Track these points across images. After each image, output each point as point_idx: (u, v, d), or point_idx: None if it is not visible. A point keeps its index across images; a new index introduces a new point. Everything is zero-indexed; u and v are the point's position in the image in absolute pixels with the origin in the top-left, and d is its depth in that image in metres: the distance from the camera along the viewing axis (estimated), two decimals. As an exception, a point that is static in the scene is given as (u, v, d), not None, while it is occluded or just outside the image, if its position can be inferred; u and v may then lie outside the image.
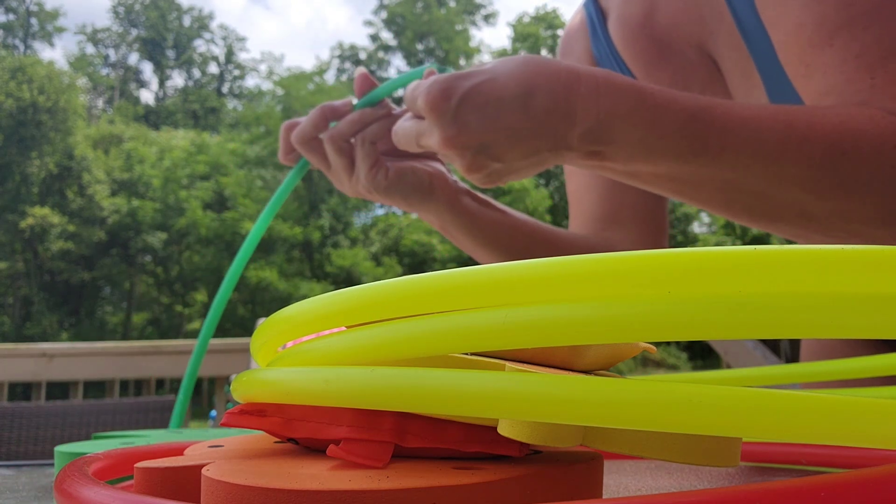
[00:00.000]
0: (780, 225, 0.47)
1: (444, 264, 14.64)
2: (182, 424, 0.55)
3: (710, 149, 0.43)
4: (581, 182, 0.78)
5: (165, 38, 23.99)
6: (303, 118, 0.60)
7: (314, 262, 17.15)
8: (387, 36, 22.70)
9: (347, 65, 22.73)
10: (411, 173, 0.60)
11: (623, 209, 0.75)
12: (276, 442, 0.27)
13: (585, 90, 0.44)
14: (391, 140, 0.60)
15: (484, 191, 0.70)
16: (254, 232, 0.58)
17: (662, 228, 0.77)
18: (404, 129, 0.50)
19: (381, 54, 22.72)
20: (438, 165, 0.63)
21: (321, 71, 21.29)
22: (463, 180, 0.64)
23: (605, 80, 0.44)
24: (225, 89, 24.85)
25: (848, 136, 0.42)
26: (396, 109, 0.59)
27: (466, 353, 0.22)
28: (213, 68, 25.07)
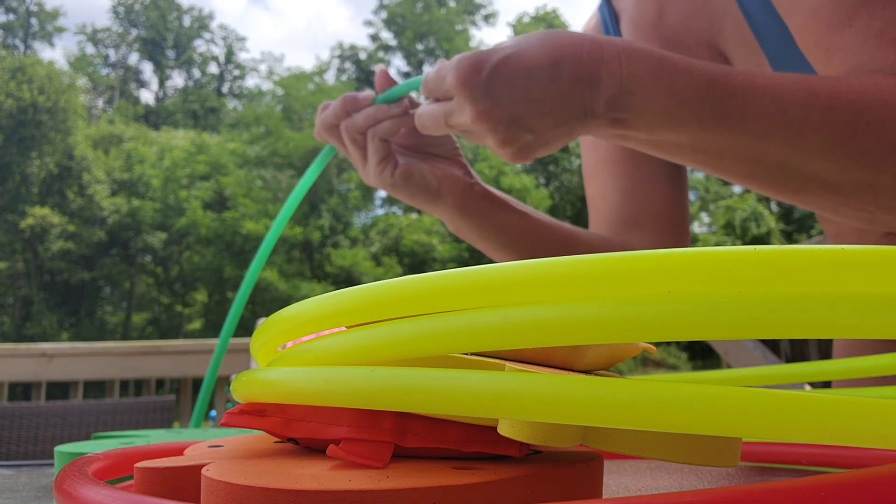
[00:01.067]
0: (806, 197, 0.47)
1: (444, 264, 14.64)
2: (201, 423, 0.56)
3: (731, 116, 0.43)
4: (601, 185, 0.78)
5: (165, 38, 23.99)
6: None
7: (314, 263, 17.16)
8: (387, 36, 22.70)
9: (347, 65, 22.73)
10: (419, 175, 0.61)
11: (643, 212, 0.75)
12: (276, 442, 0.27)
13: (608, 56, 0.44)
14: (407, 136, 0.61)
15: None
16: (279, 219, 0.59)
17: (683, 231, 0.77)
18: (430, 111, 0.50)
19: (381, 54, 22.72)
20: (449, 167, 0.63)
21: (321, 71, 21.29)
22: (482, 172, 0.63)
23: (626, 48, 0.45)
24: (225, 89, 24.85)
25: (873, 106, 0.42)
26: (413, 110, 0.60)
27: (466, 353, 0.22)
28: (213, 68, 25.08)
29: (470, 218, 0.64)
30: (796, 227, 15.81)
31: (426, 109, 0.50)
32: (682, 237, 0.77)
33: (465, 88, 0.45)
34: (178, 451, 0.29)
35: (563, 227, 0.70)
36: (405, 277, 0.21)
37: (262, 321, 0.28)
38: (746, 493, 0.14)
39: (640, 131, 0.46)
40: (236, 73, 25.11)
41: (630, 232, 0.75)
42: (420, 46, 22.56)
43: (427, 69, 0.52)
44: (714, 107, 0.43)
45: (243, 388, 0.25)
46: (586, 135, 0.48)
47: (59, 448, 0.38)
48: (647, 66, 0.44)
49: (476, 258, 15.48)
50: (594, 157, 0.79)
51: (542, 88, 0.45)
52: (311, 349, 0.24)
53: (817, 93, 0.43)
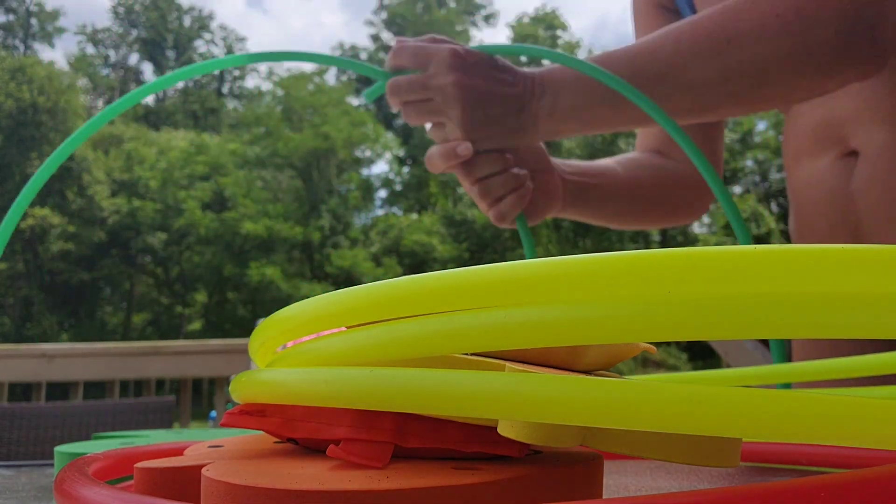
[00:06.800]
0: (721, 110, 0.59)
1: (444, 264, 14.62)
2: None
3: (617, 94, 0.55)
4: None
5: (165, 39, 23.98)
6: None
7: (314, 263, 17.15)
8: (387, 36, 22.70)
9: (347, 65, 22.68)
10: (530, 204, 0.65)
11: (672, 142, 0.78)
12: (276, 442, 0.27)
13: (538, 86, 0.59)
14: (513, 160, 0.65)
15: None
16: None
17: (715, 159, 0.81)
18: (407, 84, 0.60)
19: (381, 55, 22.71)
20: (547, 178, 0.66)
21: (321, 71, 21.28)
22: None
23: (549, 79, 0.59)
24: (225, 90, 24.83)
25: (729, 26, 0.54)
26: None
27: (466, 353, 0.22)
28: (213, 68, 24.99)
29: (574, 213, 0.71)
30: (796, 227, 15.75)
31: (404, 78, 0.60)
32: (717, 160, 0.82)
33: (457, 59, 0.58)
34: (178, 451, 0.29)
35: (640, 176, 0.76)
36: (405, 277, 0.21)
37: (261, 321, 0.28)
38: (746, 493, 0.14)
39: (561, 120, 0.59)
40: (236, 73, 25.09)
41: (668, 155, 0.79)
42: (420, 47, 22.51)
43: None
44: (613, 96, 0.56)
45: (243, 389, 0.25)
46: (521, 131, 0.60)
47: (59, 448, 0.38)
48: (563, 78, 0.59)
49: (476, 258, 15.48)
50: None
51: (505, 86, 0.59)
52: (310, 349, 0.24)
53: (679, 39, 0.56)
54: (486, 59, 0.59)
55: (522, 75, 0.60)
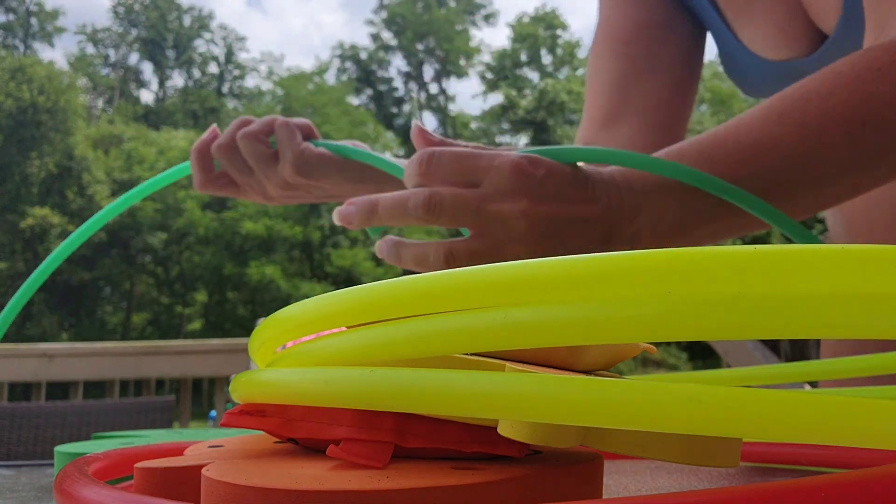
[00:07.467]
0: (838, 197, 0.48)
1: (444, 264, 14.57)
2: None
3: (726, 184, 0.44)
4: (600, 67, 0.74)
5: (165, 38, 23.97)
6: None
7: (314, 263, 17.15)
8: (387, 36, 22.71)
9: (348, 64, 22.73)
10: None
11: (630, 103, 0.70)
12: (276, 442, 0.27)
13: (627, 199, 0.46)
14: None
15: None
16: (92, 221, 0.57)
17: (677, 133, 0.72)
18: (457, 195, 0.44)
19: (381, 54, 22.73)
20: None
21: (321, 71, 21.29)
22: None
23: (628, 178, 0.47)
24: (225, 89, 24.82)
25: (863, 107, 0.43)
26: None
27: (466, 353, 0.22)
28: (213, 68, 25.04)
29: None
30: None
31: (449, 192, 0.44)
32: (672, 129, 0.72)
33: (521, 177, 0.43)
34: (178, 451, 0.29)
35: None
36: (405, 277, 0.21)
37: (261, 321, 0.28)
38: (746, 493, 0.14)
39: (666, 240, 0.47)
40: (236, 73, 25.09)
41: (613, 126, 0.70)
42: (420, 46, 22.55)
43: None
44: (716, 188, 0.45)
45: (242, 389, 0.25)
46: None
47: (59, 448, 0.38)
48: (651, 186, 0.46)
49: (476, 258, 15.43)
50: (602, 32, 0.74)
51: (584, 206, 0.45)
52: (310, 349, 0.24)
53: (807, 123, 0.44)
54: (558, 171, 0.44)
55: (604, 185, 0.46)
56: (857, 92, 0.43)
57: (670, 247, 0.48)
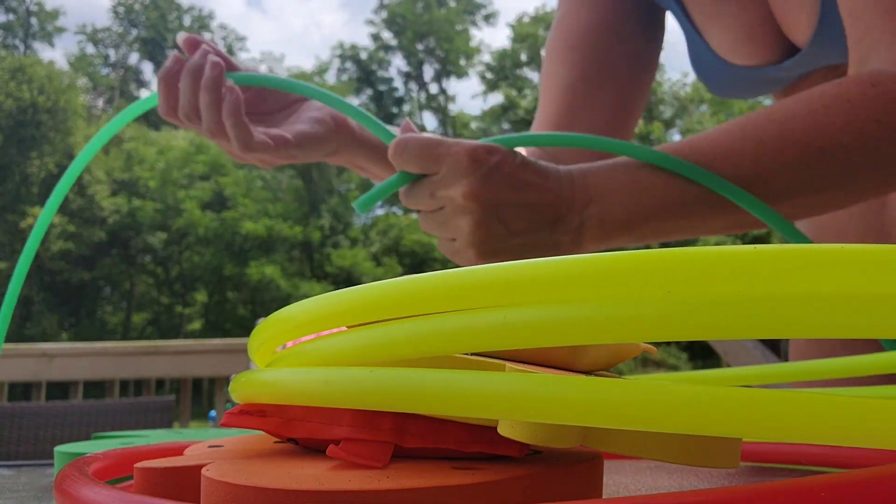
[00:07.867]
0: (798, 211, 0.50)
1: (444, 264, 14.58)
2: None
3: (689, 196, 0.48)
4: (542, 83, 0.74)
5: (165, 38, 23.97)
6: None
7: (314, 263, 17.15)
8: (387, 35, 22.70)
9: (348, 64, 22.72)
10: None
11: (573, 114, 0.70)
12: (276, 442, 0.27)
13: (578, 194, 0.49)
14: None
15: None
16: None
17: (619, 131, 0.72)
18: (414, 190, 0.50)
19: (381, 54, 22.72)
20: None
21: (321, 71, 21.29)
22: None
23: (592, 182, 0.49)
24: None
25: (824, 136, 0.45)
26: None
27: (466, 353, 0.22)
28: (213, 68, 24.95)
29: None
30: (796, 227, 15.75)
31: (412, 189, 0.50)
32: (629, 119, 0.73)
33: (473, 163, 0.47)
34: (178, 451, 0.29)
35: None
36: (405, 277, 0.21)
37: (261, 321, 0.28)
38: (746, 493, 0.14)
39: (613, 233, 0.49)
40: (236, 72, 25.02)
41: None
42: (420, 46, 22.55)
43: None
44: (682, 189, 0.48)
45: (242, 389, 0.25)
46: (554, 249, 0.50)
47: (59, 448, 0.38)
48: (609, 182, 0.49)
49: (476, 258, 15.43)
50: (554, 32, 0.74)
51: (534, 193, 0.48)
52: (310, 349, 0.24)
53: (763, 139, 0.47)
54: (512, 159, 0.48)
55: (558, 178, 0.49)
56: (821, 120, 0.45)
57: (616, 239, 0.47)
